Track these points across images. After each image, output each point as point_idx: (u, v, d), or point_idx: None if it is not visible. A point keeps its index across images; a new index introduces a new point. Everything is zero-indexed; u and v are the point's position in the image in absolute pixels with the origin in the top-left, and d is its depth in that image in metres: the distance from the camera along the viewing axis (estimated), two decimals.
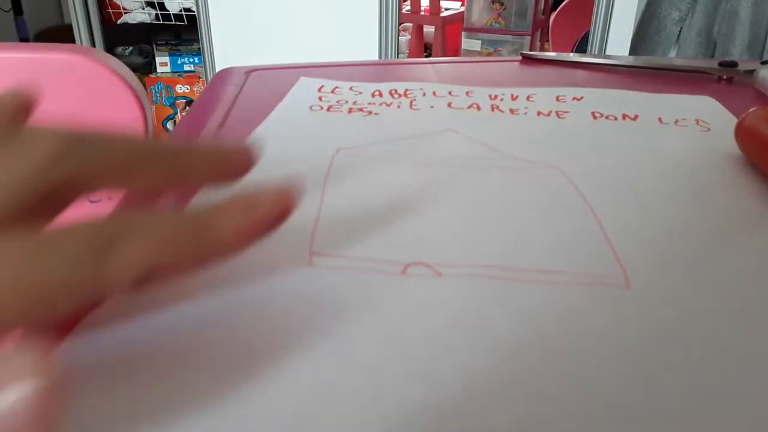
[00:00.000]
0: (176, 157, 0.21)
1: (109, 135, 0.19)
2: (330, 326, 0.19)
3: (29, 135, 0.17)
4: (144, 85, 1.66)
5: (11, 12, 2.07)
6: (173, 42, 2.02)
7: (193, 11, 1.58)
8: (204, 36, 1.57)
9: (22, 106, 0.22)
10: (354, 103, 0.41)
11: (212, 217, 0.18)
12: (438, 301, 0.21)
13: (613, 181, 0.30)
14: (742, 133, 0.33)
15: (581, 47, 2.00)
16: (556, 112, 0.40)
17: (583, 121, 0.39)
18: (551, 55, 0.56)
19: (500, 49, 2.50)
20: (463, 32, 2.55)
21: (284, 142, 0.34)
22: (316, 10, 1.54)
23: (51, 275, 0.15)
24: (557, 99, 0.43)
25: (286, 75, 0.47)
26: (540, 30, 2.58)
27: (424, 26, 2.61)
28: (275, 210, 0.19)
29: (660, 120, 0.39)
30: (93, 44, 1.68)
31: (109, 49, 1.83)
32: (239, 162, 0.23)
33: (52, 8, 2.29)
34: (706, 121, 0.39)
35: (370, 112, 0.39)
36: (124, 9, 1.86)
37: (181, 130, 0.37)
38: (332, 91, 0.43)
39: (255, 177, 0.30)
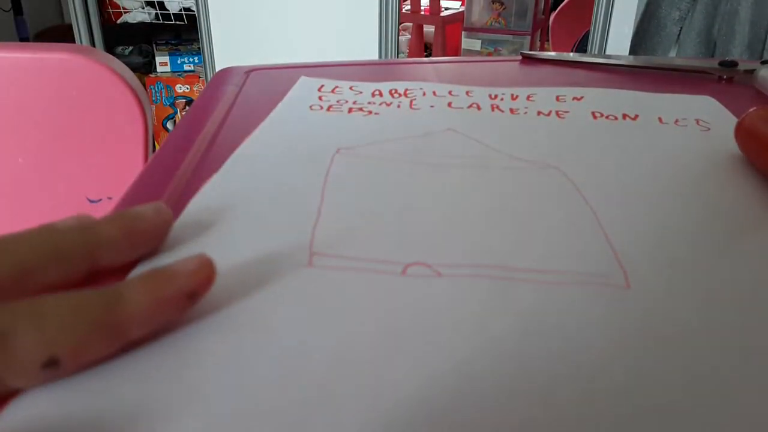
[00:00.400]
0: (82, 242, 0.20)
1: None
2: (330, 326, 0.19)
3: None
4: (144, 85, 1.66)
5: (11, 12, 2.07)
6: (173, 42, 2.02)
7: (193, 11, 1.58)
8: (204, 36, 1.56)
9: None
10: (354, 102, 0.41)
11: (124, 292, 0.17)
12: (438, 301, 0.21)
13: (613, 180, 0.30)
14: (742, 133, 0.33)
15: (581, 47, 2.00)
16: (556, 112, 0.40)
17: (583, 121, 0.39)
18: (551, 54, 0.56)
19: (500, 48, 2.50)
20: (463, 32, 2.55)
21: (284, 141, 0.34)
22: (316, 10, 1.54)
23: None
24: (557, 99, 0.43)
25: (286, 75, 0.47)
26: (540, 30, 2.58)
27: (424, 26, 2.61)
28: (194, 282, 0.18)
29: (660, 120, 0.39)
30: (93, 44, 1.68)
31: (109, 48, 1.83)
32: (152, 227, 0.22)
33: (52, 8, 2.28)
34: (706, 120, 0.39)
35: (370, 112, 0.39)
36: (124, 9, 1.85)
37: (181, 129, 0.37)
38: (332, 91, 0.43)
39: (255, 178, 0.30)
